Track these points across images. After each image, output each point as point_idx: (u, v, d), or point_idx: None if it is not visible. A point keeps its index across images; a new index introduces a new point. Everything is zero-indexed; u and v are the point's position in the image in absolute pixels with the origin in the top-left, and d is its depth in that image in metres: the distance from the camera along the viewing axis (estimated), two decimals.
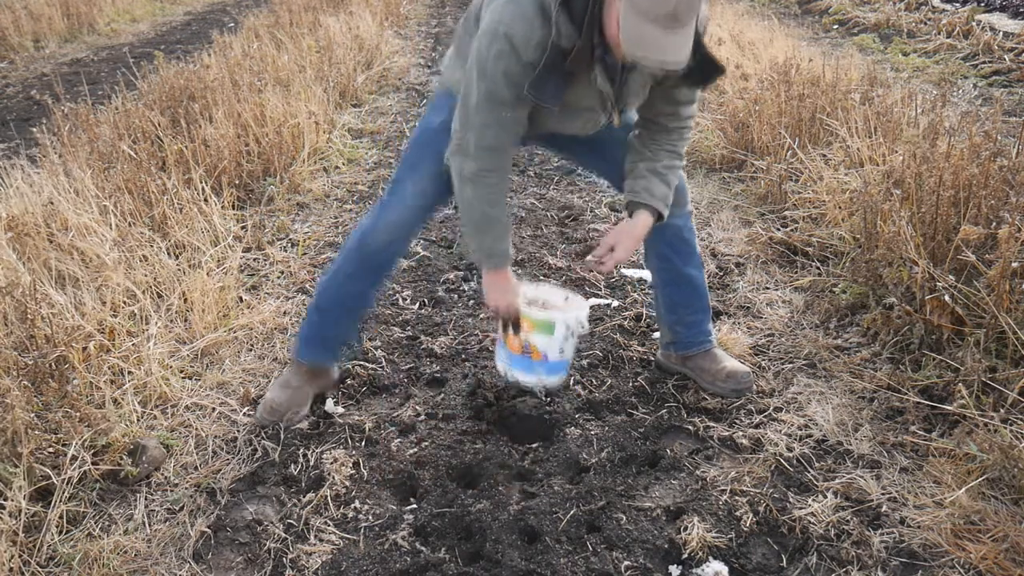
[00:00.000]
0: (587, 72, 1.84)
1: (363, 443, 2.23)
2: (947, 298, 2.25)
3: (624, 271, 3.17)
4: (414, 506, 2.00)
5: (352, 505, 2.00)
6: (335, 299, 2.28)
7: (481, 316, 2.88)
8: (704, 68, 1.84)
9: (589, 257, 2.08)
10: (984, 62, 5.73)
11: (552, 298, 2.28)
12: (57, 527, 1.86)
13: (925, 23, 7.17)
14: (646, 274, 3.05)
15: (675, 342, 2.42)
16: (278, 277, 3.18)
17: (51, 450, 1.97)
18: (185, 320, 2.76)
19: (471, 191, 1.98)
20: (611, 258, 2.08)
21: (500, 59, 1.79)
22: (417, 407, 2.37)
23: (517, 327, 2.11)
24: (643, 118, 2.10)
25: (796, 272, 3.05)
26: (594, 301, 2.95)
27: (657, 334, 2.68)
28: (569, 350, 2.20)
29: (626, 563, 1.78)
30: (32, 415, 1.98)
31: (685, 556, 1.80)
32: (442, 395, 2.44)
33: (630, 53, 1.68)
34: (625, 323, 2.77)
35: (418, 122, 2.26)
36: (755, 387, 2.39)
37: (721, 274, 3.11)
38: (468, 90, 1.89)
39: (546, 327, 2.12)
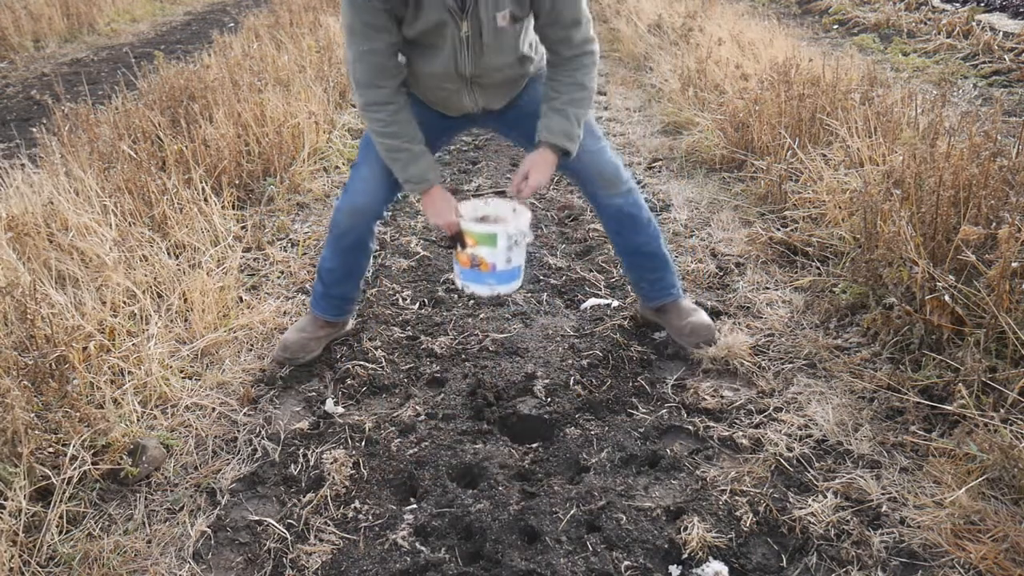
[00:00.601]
0: None
1: (363, 443, 2.23)
2: (947, 298, 2.25)
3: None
4: (414, 506, 2.00)
5: (352, 505, 2.00)
6: (330, 268, 2.52)
7: (481, 316, 2.88)
8: None
9: (509, 189, 2.27)
10: (984, 62, 5.73)
11: (500, 211, 2.44)
12: (57, 527, 1.86)
13: (925, 23, 7.17)
14: None
15: (643, 296, 2.66)
16: (278, 277, 3.19)
17: (51, 450, 1.97)
18: (185, 320, 2.77)
19: (368, 125, 2.20)
20: (527, 186, 2.20)
21: None
22: (417, 407, 2.37)
23: (462, 242, 2.24)
24: (547, 53, 2.21)
25: (796, 272, 3.05)
26: (594, 301, 2.95)
27: (657, 333, 2.70)
28: (517, 258, 2.34)
29: (626, 563, 1.78)
30: (32, 415, 1.98)
31: (685, 556, 1.80)
32: (442, 395, 2.44)
33: None
34: (625, 323, 2.77)
35: None
36: (714, 337, 2.55)
37: (721, 274, 3.11)
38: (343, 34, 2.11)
39: (489, 239, 2.26)
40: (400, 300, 3.03)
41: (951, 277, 2.29)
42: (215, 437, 2.26)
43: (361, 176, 2.36)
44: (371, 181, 2.34)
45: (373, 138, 2.21)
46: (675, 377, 2.47)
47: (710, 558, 1.79)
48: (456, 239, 2.25)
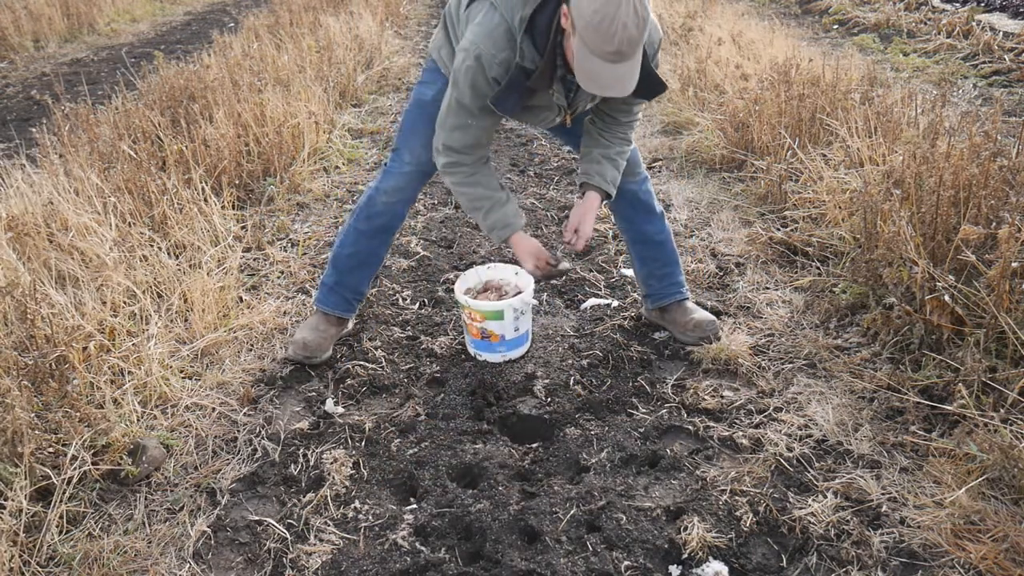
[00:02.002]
0: (547, 88, 2.07)
1: (363, 443, 2.23)
2: (947, 298, 2.25)
3: (624, 271, 3.17)
4: (414, 506, 2.00)
5: (352, 505, 2.00)
6: (349, 254, 2.56)
7: None
8: (649, 85, 2.08)
9: (564, 242, 2.37)
10: (984, 62, 5.73)
11: (504, 275, 2.68)
12: (57, 527, 1.86)
13: (925, 23, 7.16)
14: None
15: (650, 295, 2.67)
16: (278, 277, 3.19)
17: (51, 450, 1.97)
18: (185, 320, 2.77)
19: (450, 180, 2.27)
20: (579, 237, 2.34)
21: (469, 73, 2.04)
22: (417, 407, 2.37)
23: (558, 272, 2.36)
24: (599, 110, 2.33)
25: (796, 272, 3.05)
26: (594, 301, 2.95)
27: (657, 334, 2.70)
28: (524, 325, 2.53)
29: (626, 563, 1.78)
30: (32, 415, 1.98)
31: (685, 556, 1.80)
32: (442, 395, 2.44)
33: (583, 84, 1.92)
34: (625, 323, 2.77)
35: (412, 91, 2.51)
36: (718, 332, 2.62)
37: (721, 274, 3.11)
38: (447, 96, 2.16)
39: (496, 315, 2.44)
40: (400, 300, 3.03)
41: (951, 277, 2.29)
42: (215, 437, 2.26)
43: (402, 160, 2.44)
44: (412, 164, 2.43)
45: (458, 191, 2.29)
46: (675, 377, 2.47)
47: (710, 558, 1.79)
48: (549, 276, 2.37)
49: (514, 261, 3.23)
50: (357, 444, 2.22)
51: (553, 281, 2.34)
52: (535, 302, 2.47)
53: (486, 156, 2.29)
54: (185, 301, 2.81)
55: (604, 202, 2.40)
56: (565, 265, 2.36)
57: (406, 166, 2.44)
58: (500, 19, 1.99)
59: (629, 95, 2.18)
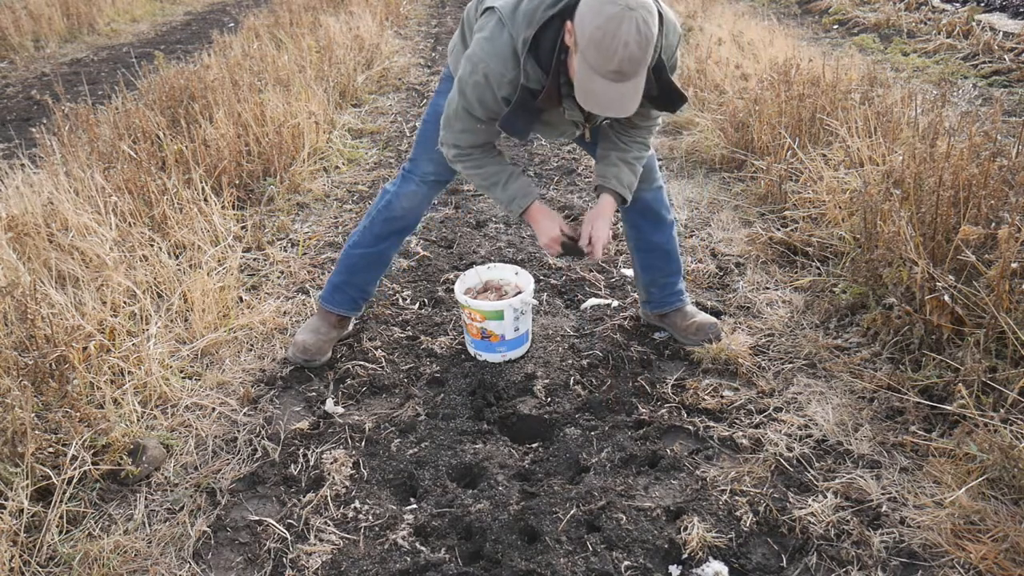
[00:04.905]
0: (556, 106, 2.03)
1: (363, 443, 2.23)
2: (947, 298, 2.25)
3: (624, 271, 3.17)
4: (414, 506, 2.00)
5: (352, 505, 2.00)
6: (362, 254, 2.56)
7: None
8: (669, 97, 2.01)
9: (583, 246, 2.30)
10: (984, 62, 5.73)
11: (504, 275, 2.69)
12: (57, 527, 1.86)
13: (925, 23, 7.16)
14: None
15: (650, 301, 2.67)
16: (278, 277, 3.19)
17: (51, 450, 1.97)
18: (185, 320, 2.77)
19: (461, 167, 2.25)
20: (596, 243, 2.26)
21: (477, 88, 2.01)
22: (417, 407, 2.37)
23: (574, 250, 2.28)
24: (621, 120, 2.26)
25: (796, 272, 3.05)
26: (594, 301, 2.95)
27: (658, 334, 2.70)
28: (524, 325, 2.53)
29: (626, 563, 1.78)
30: (32, 415, 1.98)
31: (685, 556, 1.80)
32: (442, 395, 2.44)
33: (582, 103, 1.88)
34: (625, 323, 2.77)
35: (430, 101, 2.48)
36: (719, 333, 2.60)
37: (721, 274, 3.11)
38: (452, 97, 2.11)
39: (496, 315, 2.45)
40: (400, 300, 3.03)
41: (951, 277, 2.29)
42: (215, 437, 2.26)
43: (422, 169, 2.46)
44: (433, 175, 2.46)
45: (470, 175, 2.26)
46: (675, 377, 2.47)
47: (710, 558, 1.79)
48: (567, 251, 2.29)
49: (514, 261, 3.24)
50: (357, 444, 2.22)
51: (576, 260, 2.24)
52: (535, 302, 2.45)
53: (496, 148, 2.26)
54: (185, 301, 2.82)
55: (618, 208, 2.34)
56: (584, 242, 2.27)
57: (429, 176, 2.45)
58: (508, 38, 1.94)
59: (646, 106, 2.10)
